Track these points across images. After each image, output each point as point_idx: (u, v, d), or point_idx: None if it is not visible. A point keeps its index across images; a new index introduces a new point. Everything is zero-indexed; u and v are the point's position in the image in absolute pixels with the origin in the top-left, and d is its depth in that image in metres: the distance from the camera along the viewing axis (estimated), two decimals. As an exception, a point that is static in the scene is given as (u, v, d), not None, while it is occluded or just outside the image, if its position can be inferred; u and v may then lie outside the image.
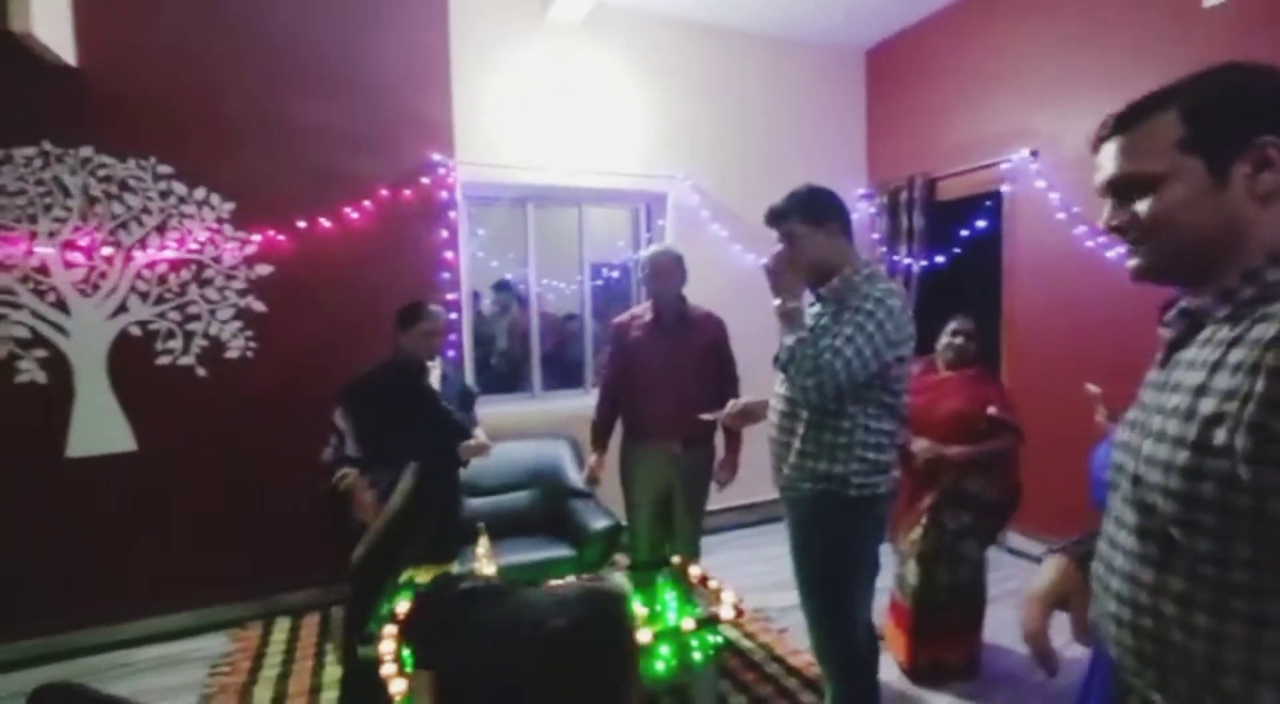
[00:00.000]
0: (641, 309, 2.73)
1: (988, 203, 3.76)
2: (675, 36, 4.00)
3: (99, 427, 2.89)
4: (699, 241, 4.04)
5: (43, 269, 2.79)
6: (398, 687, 1.74)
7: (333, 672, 2.66)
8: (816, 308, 1.87)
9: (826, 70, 4.48)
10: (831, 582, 1.87)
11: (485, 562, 2.04)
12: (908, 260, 4.09)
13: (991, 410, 2.51)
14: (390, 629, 2.06)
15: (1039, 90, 3.49)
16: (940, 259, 3.95)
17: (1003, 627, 2.81)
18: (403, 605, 2.21)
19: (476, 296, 4.65)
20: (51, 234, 2.79)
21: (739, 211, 4.14)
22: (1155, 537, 0.78)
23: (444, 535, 2.45)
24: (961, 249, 3.87)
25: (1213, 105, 0.75)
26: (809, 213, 1.81)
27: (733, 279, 4.10)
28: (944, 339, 2.65)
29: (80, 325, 2.86)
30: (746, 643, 2.84)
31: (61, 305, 2.83)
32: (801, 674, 2.59)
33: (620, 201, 4.16)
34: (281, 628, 3.06)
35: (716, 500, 3.02)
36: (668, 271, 2.59)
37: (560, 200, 3.93)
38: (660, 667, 2.02)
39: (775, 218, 1.85)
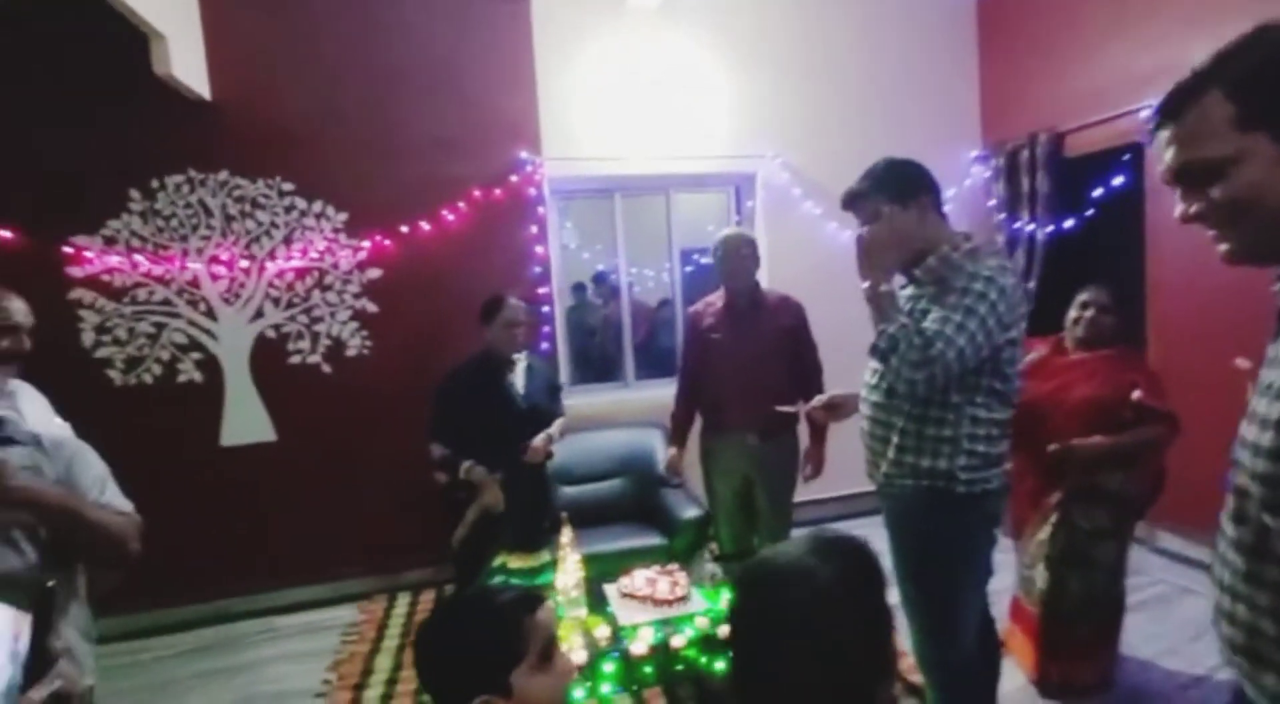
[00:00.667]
0: (715, 296, 2.67)
1: (1125, 156, 3.30)
2: (757, 8, 3.83)
3: (245, 419, 3.27)
4: (790, 221, 3.88)
5: (194, 282, 3.18)
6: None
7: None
8: (909, 290, 1.72)
9: (931, 25, 4.11)
10: (935, 585, 1.71)
11: (568, 550, 2.09)
12: (1030, 227, 3.69)
13: (1137, 395, 2.15)
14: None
15: (1185, 19, 3.00)
16: (1069, 224, 3.53)
17: (1143, 638, 2.51)
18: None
19: (577, 288, 4.78)
20: (199, 251, 3.17)
21: (832, 187, 3.86)
22: (1250, 523, 0.75)
23: (532, 523, 2.53)
24: (1094, 211, 3.43)
25: (1258, 75, 0.70)
26: (893, 190, 1.64)
27: (827, 259, 3.90)
28: (1072, 313, 2.31)
29: (226, 330, 3.24)
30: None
31: (210, 313, 3.22)
32: (904, 679, 2.44)
33: (708, 186, 4.08)
34: (402, 602, 3.33)
35: (810, 492, 2.92)
36: (738, 255, 2.50)
37: (647, 188, 3.91)
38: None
39: (853, 200, 1.70)
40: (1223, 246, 0.79)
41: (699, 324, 2.62)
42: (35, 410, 1.71)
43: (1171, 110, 0.76)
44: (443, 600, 0.86)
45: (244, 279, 3.24)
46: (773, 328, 2.52)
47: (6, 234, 2.92)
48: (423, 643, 0.94)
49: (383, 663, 2.77)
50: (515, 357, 2.61)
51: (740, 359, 2.48)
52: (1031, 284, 3.70)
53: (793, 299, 2.63)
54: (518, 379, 2.60)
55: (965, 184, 4.13)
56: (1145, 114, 3.14)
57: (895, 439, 1.66)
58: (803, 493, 2.72)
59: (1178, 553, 3.16)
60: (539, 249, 3.53)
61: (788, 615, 0.77)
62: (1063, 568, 2.23)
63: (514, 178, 3.46)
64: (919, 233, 1.64)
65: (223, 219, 3.20)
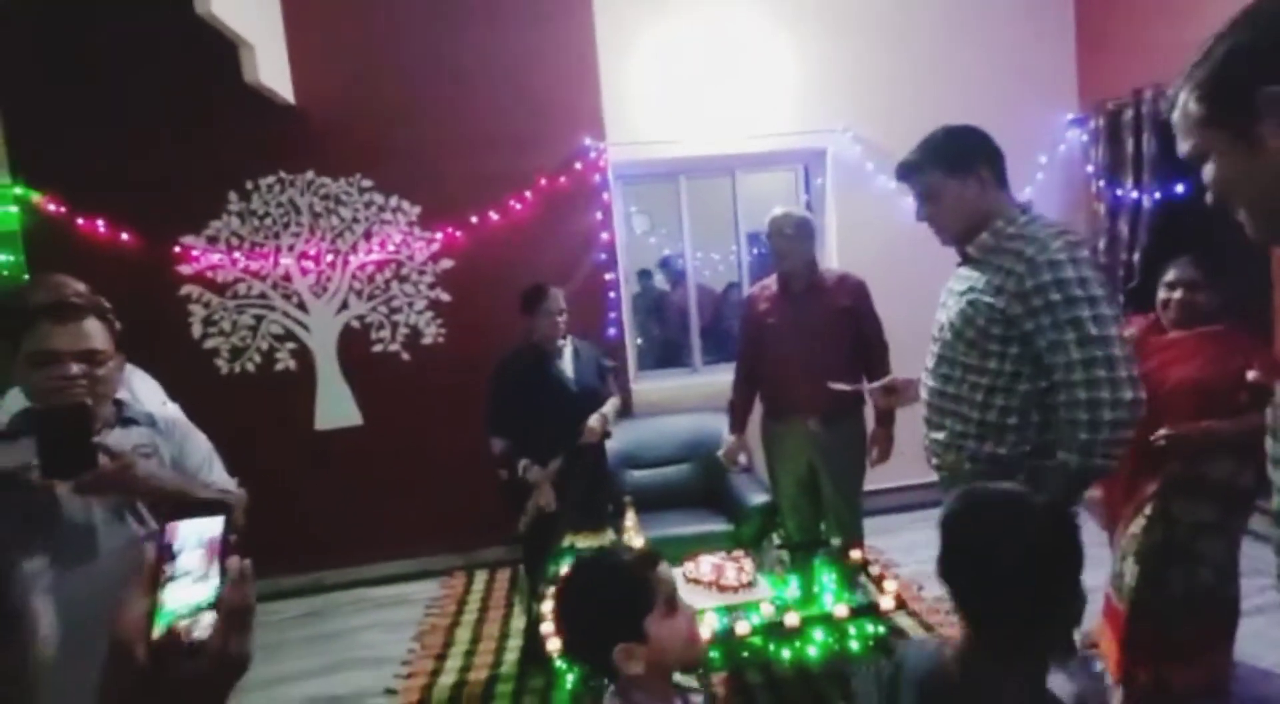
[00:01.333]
0: (771, 279, 2.62)
1: (1250, 111, 2.94)
2: (830, -26, 3.66)
3: (335, 405, 3.49)
4: (862, 198, 3.72)
5: (286, 277, 3.40)
6: (553, 645, 1.90)
7: (518, 622, 2.96)
8: (964, 270, 1.63)
9: (1021, -22, 3.80)
10: None
11: (632, 534, 2.12)
12: (1135, 194, 3.38)
13: (1253, 376, 1.92)
14: (554, 590, 2.25)
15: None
16: (1180, 189, 3.20)
17: (1266, 645, 2.28)
18: (565, 569, 2.40)
19: (643, 274, 4.78)
20: (290, 247, 3.39)
21: (912, 159, 3.72)
22: None
23: (594, 505, 2.57)
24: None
25: (1217, 80, 0.74)
26: (950, 161, 1.57)
27: (900, 235, 3.66)
28: (1161, 294, 2.12)
29: (316, 322, 3.46)
30: (922, 634, 2.63)
31: (302, 306, 3.44)
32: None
33: (775, 165, 3.96)
34: (480, 579, 3.48)
35: (887, 478, 2.82)
36: (782, 236, 2.44)
37: (713, 170, 3.85)
38: (813, 651, 1.96)
39: (908, 172, 1.63)
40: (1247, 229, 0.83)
41: (755, 308, 2.58)
42: (147, 391, 1.87)
43: (1171, 106, 0.83)
44: (573, 565, 0.99)
45: (330, 273, 3.43)
46: (830, 309, 2.45)
47: (126, 236, 3.22)
48: (564, 604, 1.07)
49: (462, 635, 2.92)
50: (560, 342, 2.63)
51: (797, 343, 2.43)
52: (1136, 257, 3.39)
53: (853, 277, 2.54)
54: (566, 364, 2.63)
55: (1060, 150, 3.82)
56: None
57: (956, 425, 1.59)
58: (872, 481, 2.63)
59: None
60: (604, 234, 3.55)
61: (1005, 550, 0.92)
62: (1159, 564, 2.05)
63: (578, 164, 3.49)
64: (979, 206, 1.56)
65: (310, 216, 3.40)
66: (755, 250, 4.04)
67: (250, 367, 3.41)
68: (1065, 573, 0.92)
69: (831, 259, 3.75)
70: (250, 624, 0.56)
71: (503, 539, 3.41)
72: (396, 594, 3.39)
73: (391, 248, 3.44)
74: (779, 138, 3.66)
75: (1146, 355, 2.07)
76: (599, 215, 3.54)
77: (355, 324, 3.47)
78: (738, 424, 2.70)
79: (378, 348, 3.49)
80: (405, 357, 3.50)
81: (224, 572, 0.58)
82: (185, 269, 3.31)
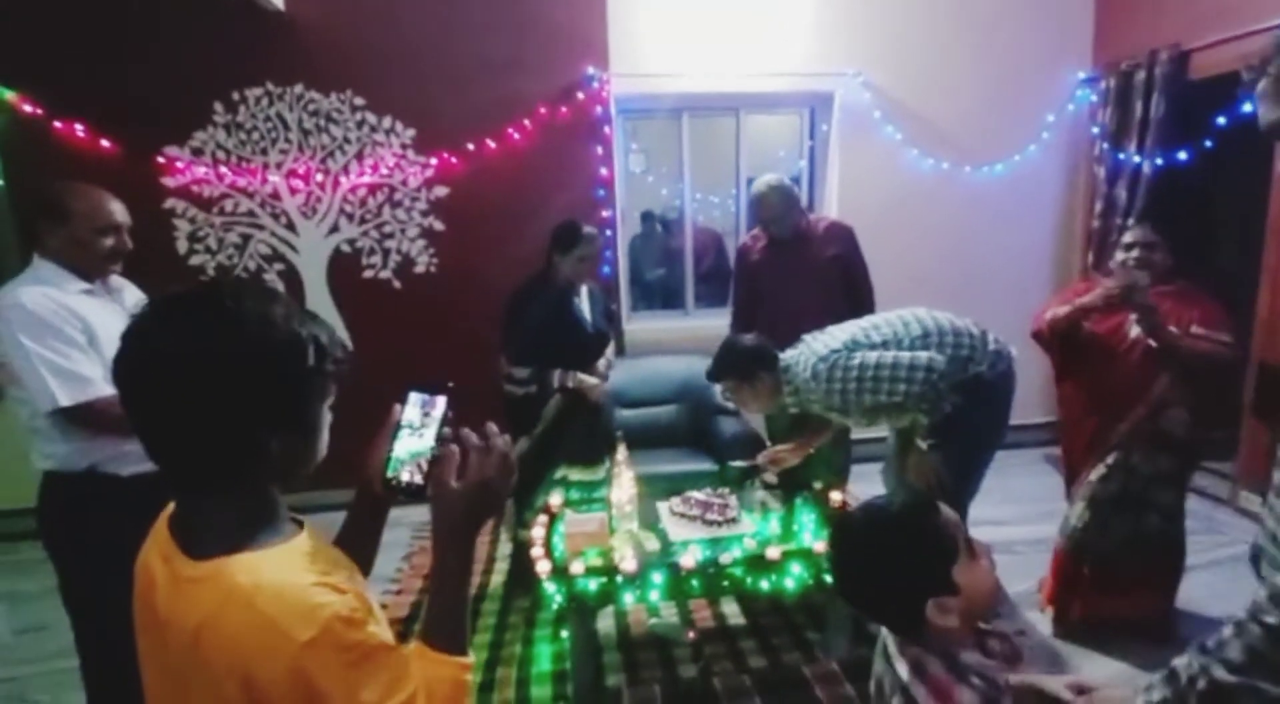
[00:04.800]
0: (759, 230, 2.69)
1: (1262, 79, 2.92)
2: (853, -95, 3.49)
3: (324, 329, 3.46)
4: (868, 147, 3.67)
5: (275, 195, 3.31)
6: (543, 567, 1.97)
7: (505, 547, 3.05)
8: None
9: (1048, -77, 3.66)
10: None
11: (623, 467, 2.17)
12: (1137, 159, 3.37)
13: (1196, 330, 2.08)
14: (543, 518, 2.32)
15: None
16: (1183, 155, 3.20)
17: (1213, 596, 2.44)
18: (555, 499, 2.46)
19: (647, 216, 4.70)
20: (278, 164, 3.28)
21: (917, 109, 3.66)
22: None
23: (593, 440, 2.62)
24: (1214, 142, 3.10)
25: None
26: (740, 370, 2.18)
27: (905, 186, 3.70)
28: (1119, 255, 2.22)
29: (306, 243, 3.38)
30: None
31: (291, 226, 3.35)
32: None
33: (782, 106, 3.87)
34: (466, 507, 3.56)
35: (865, 429, 2.89)
36: (773, 208, 2.49)
37: (717, 108, 3.75)
38: (790, 584, 2.06)
39: (714, 378, 2.28)
40: None
41: (747, 259, 2.64)
42: (142, 302, 1.84)
43: (1259, 72, 0.84)
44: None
45: (320, 193, 3.34)
46: (820, 259, 2.53)
47: (106, 144, 3.09)
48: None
49: (449, 558, 3.00)
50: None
51: (789, 292, 2.51)
52: (1130, 222, 3.41)
53: (841, 225, 2.61)
54: (584, 303, 2.63)
55: (1068, 109, 3.77)
56: (1294, 28, 2.75)
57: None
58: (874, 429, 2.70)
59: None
60: (603, 170, 3.47)
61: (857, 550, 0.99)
62: (1110, 510, 2.19)
63: (580, 94, 3.38)
64: (773, 385, 2.16)
65: (299, 133, 3.27)
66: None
67: (237, 286, 3.35)
68: (924, 562, 0.93)
69: (831, 207, 3.72)
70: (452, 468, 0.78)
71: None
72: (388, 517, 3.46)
73: (384, 171, 3.34)
74: (787, 78, 3.57)
75: (1109, 314, 2.18)
76: (599, 150, 3.45)
77: (346, 248, 3.41)
78: None
79: (368, 274, 3.44)
80: (396, 284, 3.46)
81: (440, 434, 0.80)
82: (169, 181, 3.20)
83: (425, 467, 0.79)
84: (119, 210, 1.70)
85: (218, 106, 3.19)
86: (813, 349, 2.11)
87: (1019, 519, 3.14)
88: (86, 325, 1.60)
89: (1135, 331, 2.15)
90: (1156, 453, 2.15)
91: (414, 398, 0.83)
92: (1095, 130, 3.62)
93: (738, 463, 2.48)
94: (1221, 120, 3.03)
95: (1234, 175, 3.14)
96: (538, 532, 2.18)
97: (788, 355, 2.17)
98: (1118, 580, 2.25)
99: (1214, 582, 2.55)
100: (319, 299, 3.42)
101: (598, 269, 2.64)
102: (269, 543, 0.67)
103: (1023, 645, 1.17)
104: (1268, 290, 2.97)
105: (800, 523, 2.25)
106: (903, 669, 0.93)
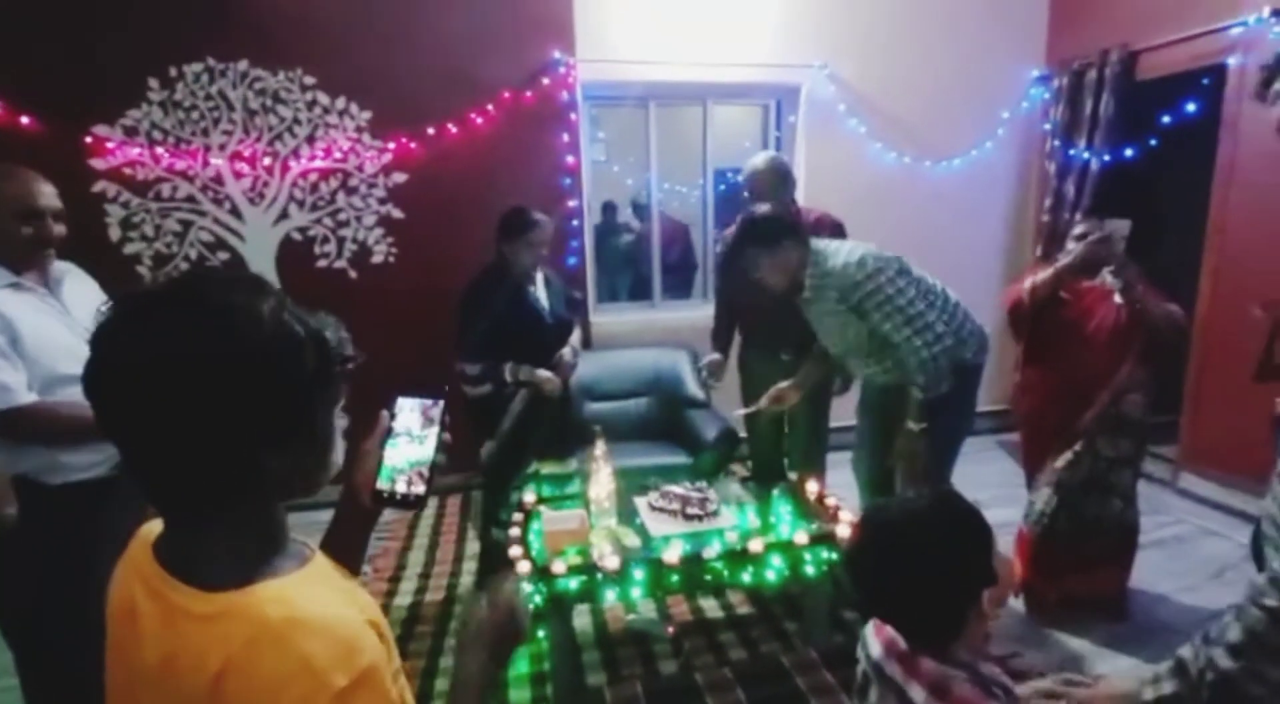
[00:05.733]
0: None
1: (1204, 80, 3.07)
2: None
3: (273, 322, 3.27)
4: (833, 139, 3.69)
5: (218, 179, 3.10)
6: (523, 567, 1.91)
7: (472, 546, 2.97)
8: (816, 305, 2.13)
9: (1004, -77, 3.74)
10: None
11: (601, 462, 2.12)
12: (1086, 155, 3.49)
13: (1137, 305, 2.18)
14: (518, 516, 2.25)
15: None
16: (1130, 153, 3.34)
17: (1161, 575, 2.57)
18: (529, 496, 2.39)
19: (608, 208, 4.62)
20: (221, 146, 3.07)
21: (881, 103, 3.70)
22: None
23: (561, 434, 2.56)
24: (1159, 141, 3.23)
25: None
26: (765, 242, 2.08)
27: (871, 180, 3.74)
28: (1070, 246, 2.26)
29: (252, 231, 3.19)
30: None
31: (236, 213, 3.15)
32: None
33: (748, 97, 3.86)
34: (430, 505, 3.44)
35: (833, 418, 2.91)
36: (769, 186, 2.46)
37: (684, 97, 3.71)
38: (771, 576, 2.05)
39: (735, 253, 2.17)
40: None
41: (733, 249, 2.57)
42: (87, 292, 1.69)
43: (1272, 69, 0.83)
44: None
45: (267, 178, 3.15)
46: None
47: (26, 121, 2.82)
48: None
49: (415, 558, 2.90)
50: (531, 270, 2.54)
51: None
52: (1078, 217, 3.54)
53: (830, 216, 2.58)
54: (540, 291, 2.55)
55: (1022, 106, 3.88)
56: (1236, 32, 2.89)
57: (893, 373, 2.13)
58: (849, 417, 2.72)
59: (1203, 496, 3.18)
60: (569, 158, 3.39)
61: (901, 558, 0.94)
62: (1078, 495, 2.27)
63: (546, 80, 3.28)
64: (797, 263, 2.09)
65: (244, 113, 3.07)
66: (720, 187, 3.97)
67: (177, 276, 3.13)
68: (975, 556, 0.92)
69: (798, 199, 3.73)
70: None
71: (458, 464, 3.36)
72: (342, 519, 3.31)
73: (338, 155, 3.17)
74: (755, 69, 3.55)
75: (1068, 302, 2.26)
76: (565, 137, 3.37)
77: (296, 236, 3.22)
78: (720, 348, 2.72)
79: (321, 264, 3.27)
80: (352, 274, 3.30)
81: (440, 442, 0.76)
82: (99, 163, 2.95)
83: (427, 474, 0.76)
84: (47, 194, 1.54)
85: (153, 83, 2.96)
86: (865, 245, 2.11)
87: (985, 504, 3.22)
88: (7, 324, 1.44)
89: (1094, 318, 2.22)
90: (1118, 437, 2.24)
91: (409, 403, 0.79)
92: (1048, 127, 3.74)
93: (742, 410, 2.48)
94: (1166, 119, 3.16)
95: (1177, 173, 3.29)
96: (515, 531, 2.11)
97: (822, 242, 2.15)
98: (1086, 561, 2.33)
99: (1160, 560, 2.68)
100: (268, 290, 3.23)
101: (548, 255, 2.54)
102: (288, 569, 0.60)
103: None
104: (1208, 286, 3.13)
105: (778, 514, 2.25)
106: (918, 695, 0.91)
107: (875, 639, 1.03)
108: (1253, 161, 2.91)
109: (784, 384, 2.36)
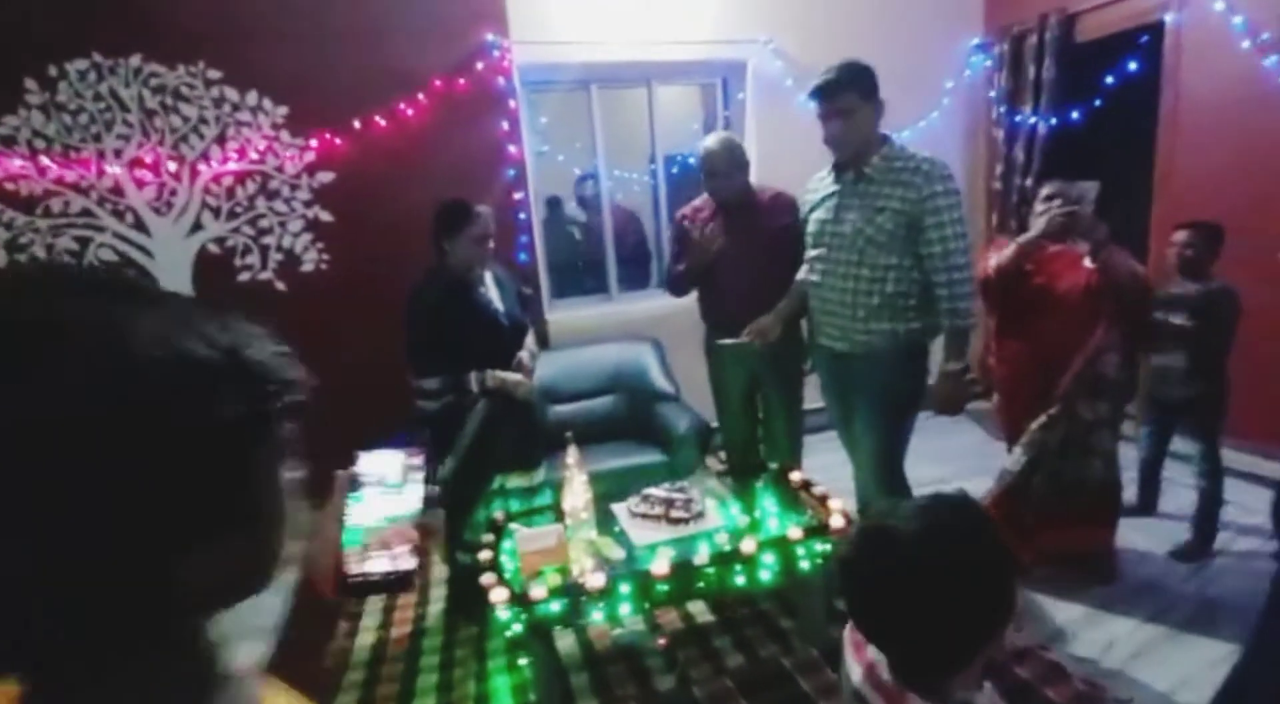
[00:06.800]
0: (702, 200, 2.51)
1: (1143, 39, 3.09)
2: None
3: (195, 345, 2.96)
4: (783, 117, 3.58)
5: (117, 190, 2.77)
6: (499, 596, 1.72)
7: (438, 571, 2.74)
8: (847, 185, 2.08)
9: (936, -110, 3.71)
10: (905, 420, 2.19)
11: (575, 470, 1.95)
12: (1033, 120, 3.50)
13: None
14: (488, 537, 2.06)
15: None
16: (1075, 115, 3.35)
17: (1136, 533, 2.57)
18: (498, 513, 2.20)
19: (553, 202, 4.40)
20: (117, 152, 2.74)
21: (829, 77, 3.61)
22: None
23: (526, 443, 2.38)
24: (1103, 100, 3.25)
25: None
26: (866, 86, 1.97)
27: (824, 156, 3.62)
28: (1039, 209, 2.23)
29: (162, 245, 2.87)
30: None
31: (141, 226, 2.83)
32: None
33: (694, 76, 3.72)
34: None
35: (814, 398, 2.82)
36: (724, 164, 2.33)
37: (627, 79, 3.54)
38: (766, 576, 1.93)
39: (832, 89, 1.95)
40: None
41: (689, 232, 2.44)
42: None
43: None
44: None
45: (174, 185, 2.83)
46: (770, 228, 2.38)
47: (-127, 132, 2.45)
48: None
49: (375, 591, 2.66)
50: (479, 269, 2.35)
51: (737, 262, 2.34)
52: (1029, 182, 3.55)
53: (786, 195, 2.48)
54: (491, 292, 2.35)
55: (965, 75, 3.87)
56: (1171, -11, 2.91)
57: (860, 312, 2.05)
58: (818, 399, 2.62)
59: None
60: (511, 147, 3.18)
61: (909, 585, 0.77)
62: (1057, 457, 2.23)
63: (480, 65, 3.06)
64: (875, 133, 2.02)
65: (141, 114, 2.75)
66: (674, 170, 3.82)
67: (77, 301, 2.79)
68: (1004, 582, 0.79)
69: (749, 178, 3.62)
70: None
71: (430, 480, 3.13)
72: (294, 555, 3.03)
73: (254, 156, 2.88)
74: (699, 47, 3.41)
75: (1037, 268, 2.24)
76: (505, 125, 3.15)
77: (214, 248, 2.92)
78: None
79: (244, 277, 2.97)
80: (280, 286, 3.01)
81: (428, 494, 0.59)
82: (-30, 178, 2.59)
83: (416, 537, 0.57)
84: None
85: (30, 84, 2.61)
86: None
87: (954, 476, 3.20)
88: None
89: (1068, 281, 2.19)
90: (1095, 399, 2.22)
91: (378, 456, 0.65)
92: (993, 94, 3.74)
93: (726, 341, 2.35)
94: (1110, 79, 3.17)
95: (1124, 132, 3.31)
96: (485, 553, 1.92)
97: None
98: (1064, 520, 2.29)
99: (1145, 523, 2.68)
100: (186, 310, 2.92)
101: (494, 249, 2.35)
102: None
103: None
104: (1156, 240, 3.17)
105: (764, 509, 2.13)
106: None
107: (854, 661, 0.88)
108: (1195, 112, 2.95)
109: (764, 318, 2.27)
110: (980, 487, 3.12)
